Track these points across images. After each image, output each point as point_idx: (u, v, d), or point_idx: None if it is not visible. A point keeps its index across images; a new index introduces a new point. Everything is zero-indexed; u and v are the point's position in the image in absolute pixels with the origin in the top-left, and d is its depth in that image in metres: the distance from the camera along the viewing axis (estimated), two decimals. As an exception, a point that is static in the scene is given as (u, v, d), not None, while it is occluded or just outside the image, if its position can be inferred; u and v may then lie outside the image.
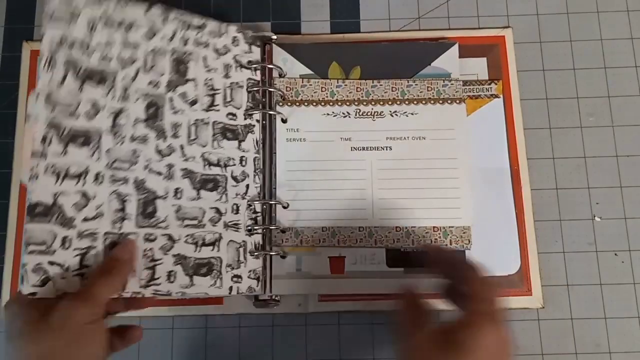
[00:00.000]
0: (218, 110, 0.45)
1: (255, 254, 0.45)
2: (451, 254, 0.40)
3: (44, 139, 0.37)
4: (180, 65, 0.43)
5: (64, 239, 0.37)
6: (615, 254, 0.47)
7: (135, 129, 0.41)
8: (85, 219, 0.38)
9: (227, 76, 0.46)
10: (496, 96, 0.49)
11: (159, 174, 0.41)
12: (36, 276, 0.36)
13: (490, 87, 0.49)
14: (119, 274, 0.36)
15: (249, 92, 0.47)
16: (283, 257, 0.46)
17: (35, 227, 0.36)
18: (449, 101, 0.47)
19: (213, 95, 0.45)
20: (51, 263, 0.36)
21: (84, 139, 0.38)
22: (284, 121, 0.47)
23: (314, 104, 0.47)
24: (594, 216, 0.48)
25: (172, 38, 0.43)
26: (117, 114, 0.40)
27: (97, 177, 0.39)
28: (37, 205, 0.36)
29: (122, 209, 0.39)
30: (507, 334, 0.32)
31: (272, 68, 0.48)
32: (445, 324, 0.33)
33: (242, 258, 0.44)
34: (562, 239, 0.48)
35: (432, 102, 0.47)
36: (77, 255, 0.37)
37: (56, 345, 0.32)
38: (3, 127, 0.49)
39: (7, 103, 0.50)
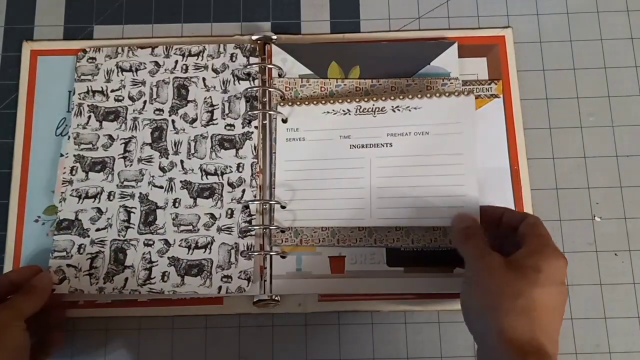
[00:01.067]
0: (216, 124, 0.48)
1: (249, 253, 0.45)
2: (493, 208, 0.43)
3: (71, 170, 0.47)
4: (181, 90, 0.49)
5: (80, 246, 0.46)
6: (615, 254, 0.47)
7: (142, 152, 0.48)
8: (98, 229, 0.46)
9: (225, 91, 0.48)
10: (496, 96, 0.49)
11: (161, 187, 0.47)
12: (56, 276, 0.45)
13: (490, 87, 0.49)
14: (37, 294, 0.41)
15: (247, 101, 0.48)
16: (283, 257, 0.46)
17: (60, 238, 0.46)
18: (456, 93, 0.45)
19: (212, 111, 0.48)
20: (68, 265, 0.45)
21: (100, 165, 0.47)
22: (284, 121, 0.47)
23: (315, 102, 0.47)
24: (594, 216, 0.48)
25: (173, 69, 0.49)
26: (127, 142, 0.48)
27: (110, 195, 0.47)
28: (63, 221, 0.46)
29: (128, 219, 0.46)
30: (566, 267, 0.36)
31: (271, 68, 0.48)
32: (507, 257, 0.36)
33: (233, 259, 0.45)
34: (562, 239, 0.48)
35: (437, 95, 0.46)
36: (88, 258, 0.45)
37: None
38: (3, 127, 0.50)
39: (7, 103, 0.50)
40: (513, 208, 0.47)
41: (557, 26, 0.52)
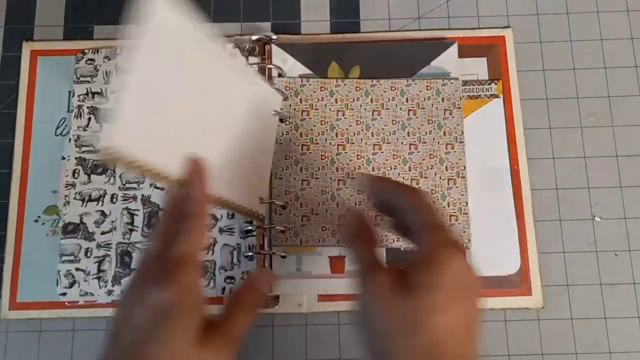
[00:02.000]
0: None
1: (250, 254, 0.45)
2: (387, 181, 0.36)
3: (73, 173, 0.47)
4: None
5: (87, 250, 0.46)
6: (615, 254, 0.47)
7: None
8: (103, 232, 0.46)
9: None
10: (496, 96, 0.49)
11: (162, 189, 0.47)
12: (66, 280, 0.45)
13: (490, 87, 0.49)
14: (254, 306, 0.34)
15: None
16: (283, 257, 0.46)
17: (67, 242, 0.46)
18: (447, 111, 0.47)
19: None
20: (77, 269, 0.45)
21: (102, 168, 0.47)
22: (282, 121, 0.47)
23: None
24: (594, 216, 0.48)
25: None
26: None
27: (112, 198, 0.47)
28: (69, 225, 0.46)
29: (131, 222, 0.47)
30: (470, 262, 0.28)
31: (271, 68, 0.48)
32: (401, 262, 0.29)
33: (235, 260, 0.45)
34: (562, 239, 0.48)
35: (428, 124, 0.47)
36: (96, 262, 0.46)
37: None
38: (3, 127, 0.50)
39: (7, 103, 0.50)
40: (511, 209, 0.47)
41: (557, 26, 0.52)
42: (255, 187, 0.44)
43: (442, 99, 0.48)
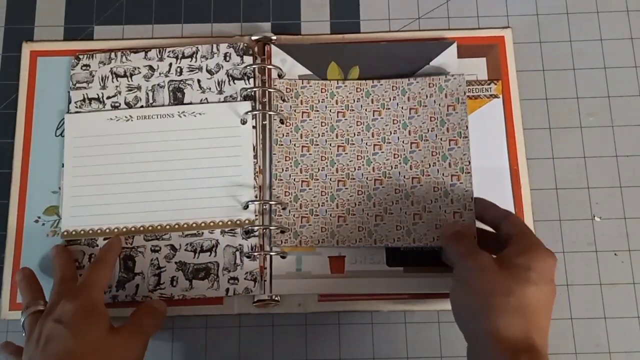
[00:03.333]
0: None
1: (253, 254, 0.45)
2: (483, 202, 0.44)
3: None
4: (177, 93, 0.48)
5: (91, 256, 0.46)
6: (615, 254, 0.47)
7: None
8: (105, 238, 0.46)
9: (220, 92, 0.48)
10: (496, 96, 0.49)
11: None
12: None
13: (490, 87, 0.49)
14: (160, 318, 0.43)
15: (244, 100, 0.48)
16: (283, 257, 0.46)
17: (71, 249, 0.46)
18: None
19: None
20: (80, 275, 0.44)
21: None
22: (282, 122, 0.47)
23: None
24: (594, 216, 0.48)
25: (168, 72, 0.49)
26: None
27: None
28: (71, 232, 0.46)
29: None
30: (556, 265, 0.36)
31: (271, 69, 0.48)
32: (495, 255, 0.37)
33: (238, 261, 0.45)
34: (562, 239, 0.48)
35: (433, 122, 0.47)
36: None
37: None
38: (3, 127, 0.50)
39: (7, 103, 0.50)
40: (510, 209, 0.47)
41: (557, 26, 0.52)
42: (232, 197, 0.46)
43: (446, 94, 0.47)
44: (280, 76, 0.49)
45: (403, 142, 0.47)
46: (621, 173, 0.49)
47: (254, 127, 0.47)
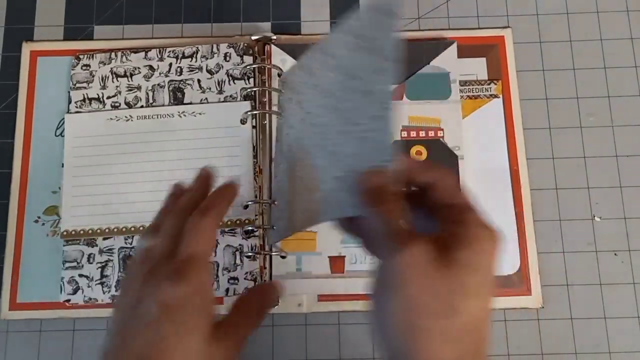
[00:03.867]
0: None
1: (253, 254, 0.45)
2: (422, 163, 0.33)
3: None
4: (177, 93, 0.48)
5: (90, 256, 0.46)
6: (615, 254, 0.47)
7: None
8: (105, 238, 0.46)
9: (220, 92, 0.48)
10: (496, 96, 0.49)
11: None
12: (70, 286, 0.45)
13: (490, 87, 0.49)
14: (257, 313, 0.33)
15: (244, 100, 0.48)
16: (283, 257, 0.46)
17: (69, 249, 0.46)
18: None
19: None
20: (80, 275, 0.45)
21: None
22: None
23: None
24: (594, 216, 0.48)
25: (168, 72, 0.49)
26: None
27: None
28: (71, 232, 0.46)
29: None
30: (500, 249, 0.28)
31: (271, 69, 0.48)
32: (435, 236, 0.27)
33: (238, 261, 0.45)
34: (562, 239, 0.48)
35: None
36: (99, 267, 0.46)
37: None
38: (3, 127, 0.50)
39: (7, 103, 0.50)
40: (510, 209, 0.47)
41: (557, 26, 0.52)
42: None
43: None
44: (280, 76, 0.49)
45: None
46: (621, 173, 0.49)
47: (254, 127, 0.47)
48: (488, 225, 0.28)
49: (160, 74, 0.49)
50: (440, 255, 0.26)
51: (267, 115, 0.48)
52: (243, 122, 0.47)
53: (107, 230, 0.46)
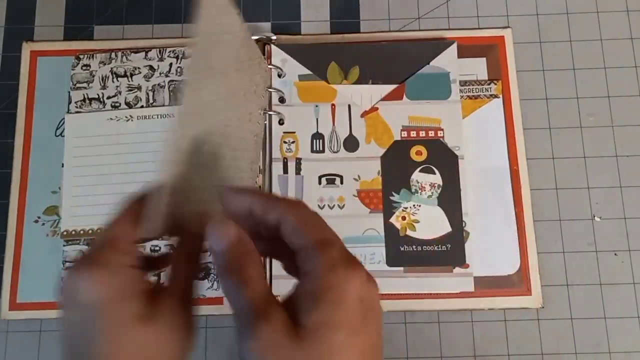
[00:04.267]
0: None
1: None
2: (257, 194, 0.27)
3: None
4: (177, 94, 0.48)
5: None
6: (615, 254, 0.47)
7: None
8: None
9: None
10: (496, 96, 0.49)
11: None
12: None
13: (490, 87, 0.49)
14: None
15: None
16: (283, 257, 0.46)
17: (69, 249, 0.46)
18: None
19: None
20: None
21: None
22: (280, 123, 0.47)
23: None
24: (594, 216, 0.48)
25: (168, 72, 0.49)
26: None
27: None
28: (71, 232, 0.46)
29: None
30: (369, 275, 0.24)
31: (271, 68, 0.48)
32: (288, 297, 0.24)
33: None
34: (562, 239, 0.48)
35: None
36: None
37: None
38: (3, 127, 0.50)
39: (7, 103, 0.50)
40: (510, 209, 0.47)
41: (557, 26, 0.52)
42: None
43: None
44: (280, 76, 0.49)
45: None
46: (621, 173, 0.49)
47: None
48: (341, 262, 0.23)
49: (160, 74, 0.49)
50: (296, 325, 0.22)
51: (267, 115, 0.48)
52: None
53: None
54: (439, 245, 0.46)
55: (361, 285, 0.23)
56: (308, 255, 0.24)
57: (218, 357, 0.46)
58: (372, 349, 0.23)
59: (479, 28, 0.51)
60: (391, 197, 0.47)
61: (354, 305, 0.22)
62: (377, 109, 0.48)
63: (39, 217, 0.47)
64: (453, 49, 0.49)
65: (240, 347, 0.23)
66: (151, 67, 0.49)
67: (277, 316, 0.23)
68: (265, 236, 0.26)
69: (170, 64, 0.49)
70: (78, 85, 0.49)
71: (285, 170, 0.47)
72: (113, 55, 0.49)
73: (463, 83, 0.49)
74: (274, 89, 0.47)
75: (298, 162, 0.47)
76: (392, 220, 0.46)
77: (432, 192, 0.47)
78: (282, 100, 0.48)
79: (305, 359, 0.22)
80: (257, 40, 0.50)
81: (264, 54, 0.49)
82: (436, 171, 0.47)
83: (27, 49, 0.51)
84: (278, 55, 0.49)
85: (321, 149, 0.48)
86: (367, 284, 0.23)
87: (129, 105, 0.48)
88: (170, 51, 0.49)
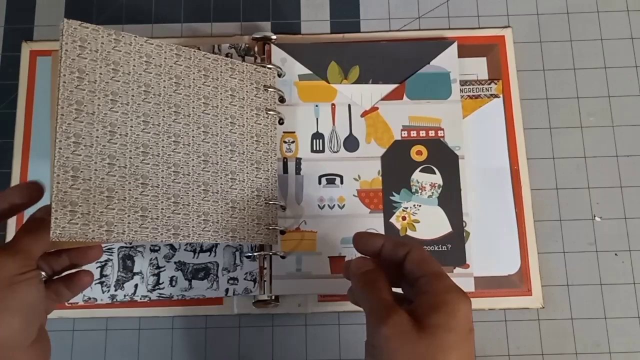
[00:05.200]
0: None
1: (253, 255, 0.45)
2: (380, 237, 0.36)
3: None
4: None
5: None
6: (616, 254, 0.47)
7: None
8: None
9: None
10: (496, 96, 0.49)
11: None
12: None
13: (490, 87, 0.49)
14: (44, 229, 0.36)
15: None
16: (283, 257, 0.46)
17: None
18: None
19: None
20: None
21: None
22: (280, 122, 0.47)
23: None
24: (594, 216, 0.48)
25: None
26: None
27: None
28: None
29: None
30: (470, 305, 0.31)
31: (271, 68, 0.48)
32: (411, 307, 0.31)
33: (238, 261, 0.45)
34: (562, 239, 0.48)
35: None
36: (98, 267, 0.45)
37: None
38: (3, 127, 0.50)
39: (7, 103, 0.50)
40: (511, 209, 0.47)
41: (557, 26, 0.52)
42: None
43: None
44: (280, 75, 0.49)
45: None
46: (621, 173, 0.49)
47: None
48: (455, 290, 0.31)
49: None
50: (417, 323, 0.30)
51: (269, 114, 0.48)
52: None
53: None
54: (440, 245, 0.46)
55: (468, 309, 0.30)
56: (428, 281, 0.31)
57: (218, 357, 0.46)
58: (469, 357, 0.30)
59: (479, 28, 0.52)
60: (391, 197, 0.47)
61: (464, 320, 0.30)
62: (377, 108, 0.48)
63: (38, 217, 0.47)
64: (453, 48, 0.49)
65: (373, 335, 0.31)
66: None
67: (402, 314, 0.30)
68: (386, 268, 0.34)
69: None
70: None
71: (285, 170, 0.47)
72: None
73: (463, 83, 0.49)
74: (275, 88, 0.47)
75: (298, 161, 0.48)
76: (392, 220, 0.46)
77: (433, 192, 0.47)
78: (282, 99, 0.48)
79: (425, 347, 0.29)
80: (257, 40, 0.50)
81: (263, 54, 0.49)
82: (436, 171, 0.47)
83: (26, 48, 0.51)
84: (278, 55, 0.49)
85: (321, 148, 0.48)
86: (471, 311, 0.30)
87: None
88: None
